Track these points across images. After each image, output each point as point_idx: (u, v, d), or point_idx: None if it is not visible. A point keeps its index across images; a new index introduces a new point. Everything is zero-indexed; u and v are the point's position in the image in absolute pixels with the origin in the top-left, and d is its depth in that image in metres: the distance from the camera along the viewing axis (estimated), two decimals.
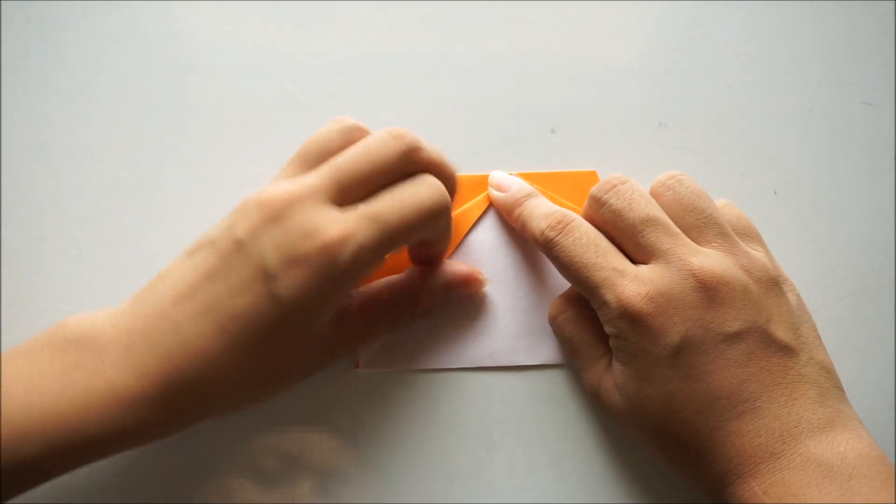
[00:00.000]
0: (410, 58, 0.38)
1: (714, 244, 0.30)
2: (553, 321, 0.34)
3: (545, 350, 0.35)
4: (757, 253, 0.31)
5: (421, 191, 0.28)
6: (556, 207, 0.32)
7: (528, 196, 0.34)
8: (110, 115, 0.37)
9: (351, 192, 0.28)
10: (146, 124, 0.37)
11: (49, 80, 0.38)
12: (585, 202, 0.32)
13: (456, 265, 0.34)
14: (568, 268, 0.30)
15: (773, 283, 0.30)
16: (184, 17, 0.38)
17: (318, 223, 0.26)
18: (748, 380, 0.27)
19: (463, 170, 0.37)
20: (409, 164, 0.29)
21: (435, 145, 0.30)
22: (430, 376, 0.35)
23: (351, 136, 0.29)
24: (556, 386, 0.35)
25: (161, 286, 0.28)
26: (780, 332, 0.28)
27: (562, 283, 0.35)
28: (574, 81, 0.37)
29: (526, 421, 0.35)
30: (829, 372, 0.29)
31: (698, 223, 0.30)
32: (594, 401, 0.32)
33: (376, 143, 0.29)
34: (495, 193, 0.35)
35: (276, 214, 0.27)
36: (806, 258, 0.36)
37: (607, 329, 0.30)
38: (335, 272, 0.26)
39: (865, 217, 0.37)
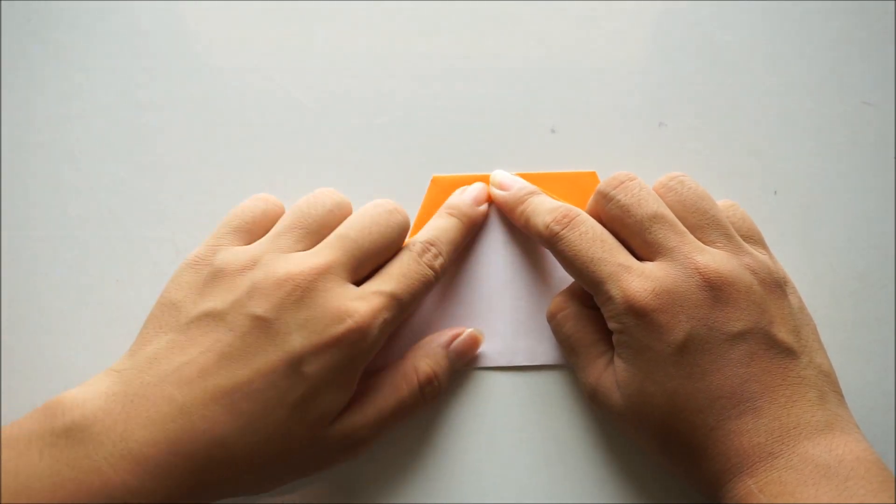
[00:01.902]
0: (410, 58, 0.38)
1: (718, 244, 0.30)
2: (552, 318, 0.33)
3: (544, 351, 0.35)
4: (761, 255, 0.31)
5: (423, 268, 0.30)
6: (561, 203, 0.32)
7: (532, 193, 0.34)
8: (110, 115, 0.37)
9: (364, 267, 0.29)
10: (146, 124, 0.37)
11: (49, 80, 0.38)
12: (591, 198, 0.32)
13: (451, 330, 0.34)
14: (573, 262, 0.30)
15: (777, 285, 0.30)
16: (184, 17, 0.38)
17: (344, 306, 0.27)
18: (749, 380, 0.27)
19: (463, 170, 0.37)
20: (404, 237, 0.31)
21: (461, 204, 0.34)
22: None
23: (343, 211, 0.31)
24: (555, 387, 0.35)
25: (160, 368, 0.26)
26: (783, 335, 0.28)
27: (561, 284, 0.35)
28: (574, 81, 0.37)
29: (525, 421, 0.35)
30: (828, 376, 0.29)
31: (702, 224, 0.31)
32: (592, 400, 0.32)
33: (383, 218, 0.30)
34: (497, 192, 0.35)
35: (298, 293, 0.27)
36: (806, 258, 0.36)
37: (611, 325, 0.30)
38: (361, 352, 0.27)
39: (865, 217, 0.37)
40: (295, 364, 0.26)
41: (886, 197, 0.37)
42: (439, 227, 0.32)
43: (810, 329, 0.30)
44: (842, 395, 0.29)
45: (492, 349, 0.35)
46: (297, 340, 0.26)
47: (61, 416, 0.24)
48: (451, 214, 0.33)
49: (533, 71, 0.37)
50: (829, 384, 0.29)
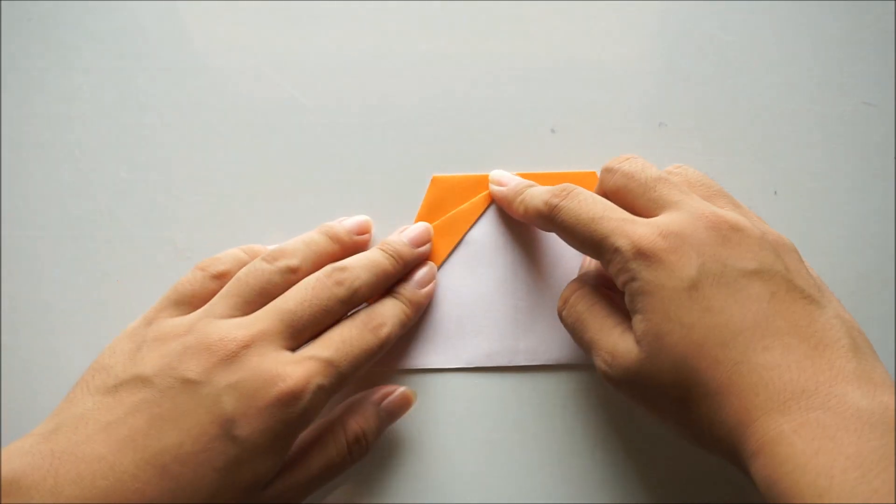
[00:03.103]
0: (410, 58, 0.38)
1: (727, 209, 0.29)
2: (564, 303, 0.32)
3: (545, 351, 0.35)
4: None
5: (366, 336, 0.30)
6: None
7: (529, 186, 0.33)
8: (110, 115, 0.37)
9: (303, 335, 0.29)
10: (146, 124, 0.37)
11: (49, 80, 0.38)
12: (599, 178, 0.32)
13: (383, 387, 0.33)
14: (574, 227, 0.29)
15: (792, 249, 0.28)
16: (184, 17, 0.38)
17: (276, 370, 0.27)
18: (774, 315, 0.25)
19: (463, 169, 0.37)
20: (349, 307, 0.31)
21: (367, 266, 0.32)
22: (429, 376, 0.35)
23: (289, 278, 0.31)
24: (555, 387, 0.35)
25: (87, 427, 0.25)
26: (802, 283, 0.26)
27: (562, 283, 0.35)
28: (574, 81, 0.37)
29: (525, 422, 0.35)
30: (860, 332, 0.26)
31: (709, 194, 0.30)
32: (609, 374, 0.28)
33: (323, 291, 0.30)
34: (496, 188, 0.35)
35: (230, 357, 0.27)
36: (806, 258, 0.36)
37: (621, 278, 0.28)
38: (294, 417, 0.27)
39: (865, 217, 0.37)
40: (226, 427, 0.25)
41: (886, 197, 0.37)
42: (368, 268, 0.32)
43: (831, 293, 0.28)
44: (876, 355, 0.26)
45: (491, 349, 0.35)
46: (227, 403, 0.26)
47: None
48: (384, 251, 0.33)
49: (533, 71, 0.37)
50: (861, 338, 0.26)
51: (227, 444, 0.25)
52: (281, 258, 0.31)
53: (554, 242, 0.35)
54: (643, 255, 0.27)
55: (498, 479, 0.34)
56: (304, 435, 0.30)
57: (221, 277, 0.31)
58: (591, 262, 0.35)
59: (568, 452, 0.34)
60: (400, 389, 0.33)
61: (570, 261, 0.35)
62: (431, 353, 0.34)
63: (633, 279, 0.27)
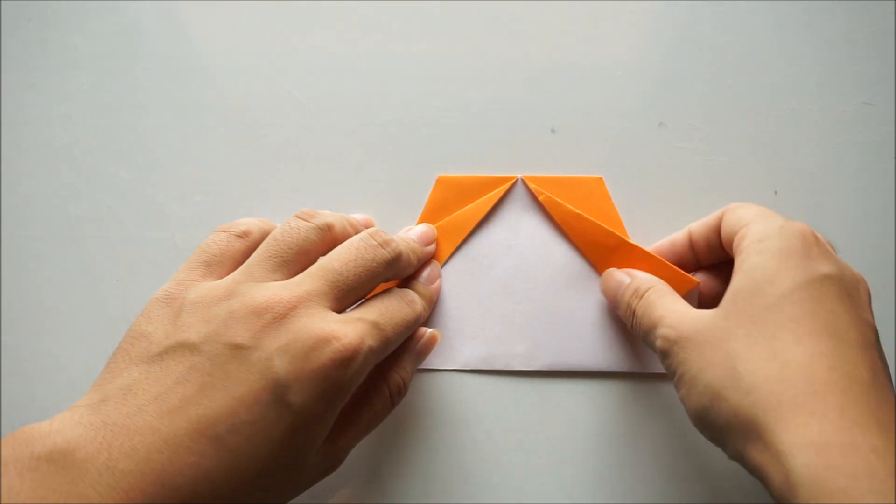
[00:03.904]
0: (410, 58, 0.38)
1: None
2: (635, 293, 0.32)
3: (541, 357, 0.34)
4: None
5: (404, 307, 0.30)
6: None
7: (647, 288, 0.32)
8: (110, 115, 0.37)
9: (347, 298, 0.28)
10: (146, 124, 0.37)
11: (49, 80, 0.38)
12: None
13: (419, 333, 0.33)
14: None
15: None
16: (184, 17, 0.38)
17: (327, 330, 0.26)
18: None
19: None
20: (392, 272, 0.31)
21: (409, 240, 0.32)
22: (426, 377, 0.35)
23: (326, 235, 0.30)
24: (554, 389, 0.35)
25: (136, 398, 0.24)
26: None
27: (563, 289, 0.35)
28: (574, 81, 0.37)
29: (525, 422, 0.35)
30: None
31: None
32: (671, 334, 0.28)
33: (368, 251, 0.29)
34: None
35: (278, 319, 0.26)
36: None
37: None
38: (346, 379, 0.26)
39: (865, 217, 0.37)
40: (279, 393, 0.25)
41: (886, 197, 0.37)
42: (401, 242, 0.32)
43: None
44: None
45: (489, 352, 0.35)
46: (279, 367, 0.25)
47: (39, 441, 0.23)
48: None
49: (533, 71, 0.37)
50: None
51: (282, 412, 0.24)
52: (316, 216, 0.30)
53: (556, 249, 0.35)
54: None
55: (497, 480, 0.34)
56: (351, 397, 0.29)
57: (245, 237, 0.30)
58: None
59: (565, 455, 0.34)
60: (429, 332, 0.33)
61: (572, 267, 0.35)
62: (432, 354, 0.34)
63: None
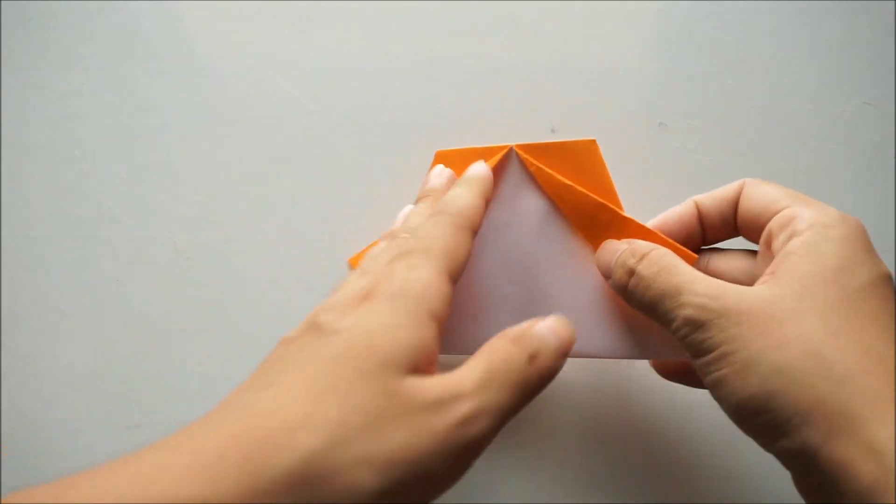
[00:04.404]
0: (410, 58, 0.38)
1: None
2: (642, 258, 0.28)
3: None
4: None
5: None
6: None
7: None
8: (110, 115, 0.37)
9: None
10: (146, 124, 0.37)
11: (49, 80, 0.38)
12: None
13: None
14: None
15: None
16: (184, 17, 0.38)
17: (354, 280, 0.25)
18: None
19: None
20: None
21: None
22: None
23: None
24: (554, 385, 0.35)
25: None
26: None
27: (565, 268, 0.33)
28: (574, 81, 0.37)
29: (526, 422, 0.35)
30: None
31: None
32: (709, 304, 0.25)
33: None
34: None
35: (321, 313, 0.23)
36: None
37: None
38: (391, 293, 0.23)
39: (865, 217, 0.36)
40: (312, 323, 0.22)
41: (886, 197, 0.37)
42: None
43: None
44: None
45: (488, 336, 0.33)
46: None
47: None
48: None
49: (533, 71, 0.37)
50: None
51: (329, 338, 0.22)
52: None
53: (553, 226, 0.33)
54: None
55: (496, 480, 0.34)
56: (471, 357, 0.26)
57: None
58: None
59: (567, 451, 0.34)
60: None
61: (568, 246, 0.34)
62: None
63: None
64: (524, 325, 0.25)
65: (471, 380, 0.22)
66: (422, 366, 0.22)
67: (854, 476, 0.21)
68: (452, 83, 0.37)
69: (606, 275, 0.30)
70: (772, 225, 0.27)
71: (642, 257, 0.27)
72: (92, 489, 0.18)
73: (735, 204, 0.29)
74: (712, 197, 0.30)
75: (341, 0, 0.38)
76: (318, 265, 0.36)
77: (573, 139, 0.34)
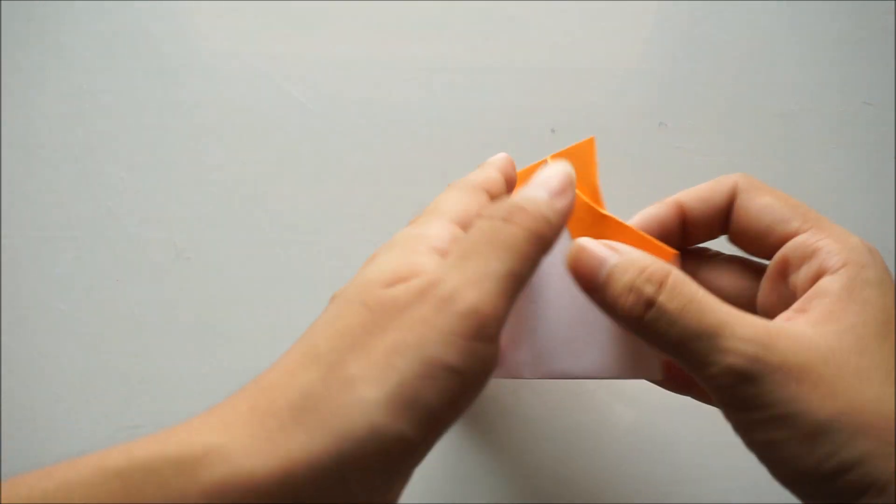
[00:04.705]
0: (410, 58, 0.38)
1: None
2: (661, 286, 0.23)
3: (545, 363, 0.33)
4: None
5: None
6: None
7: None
8: (110, 115, 0.37)
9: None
10: (146, 124, 0.37)
11: (49, 80, 0.38)
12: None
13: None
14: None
15: None
16: (184, 18, 0.38)
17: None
18: None
19: (463, 169, 0.37)
20: None
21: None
22: None
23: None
24: (554, 386, 0.35)
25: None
26: None
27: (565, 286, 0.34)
28: (574, 81, 0.37)
29: (526, 421, 0.35)
30: None
31: None
32: (763, 355, 0.21)
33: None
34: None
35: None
36: None
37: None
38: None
39: (865, 217, 0.37)
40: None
41: (887, 197, 0.37)
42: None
43: None
44: None
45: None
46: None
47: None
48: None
49: (533, 71, 0.37)
50: None
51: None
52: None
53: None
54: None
55: (496, 480, 0.34)
56: None
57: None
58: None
59: (570, 453, 0.34)
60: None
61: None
62: None
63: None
64: None
65: (434, 264, 0.21)
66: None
67: None
68: (453, 83, 0.37)
69: (588, 281, 0.24)
70: (788, 254, 0.25)
71: (661, 284, 0.22)
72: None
73: (725, 212, 0.27)
74: (699, 199, 0.27)
75: (341, 0, 0.38)
76: (318, 265, 0.36)
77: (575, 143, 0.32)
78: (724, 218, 0.27)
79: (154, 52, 0.38)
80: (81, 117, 0.37)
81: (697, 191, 0.27)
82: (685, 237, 0.28)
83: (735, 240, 0.27)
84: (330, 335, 0.20)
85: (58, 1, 0.38)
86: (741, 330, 0.21)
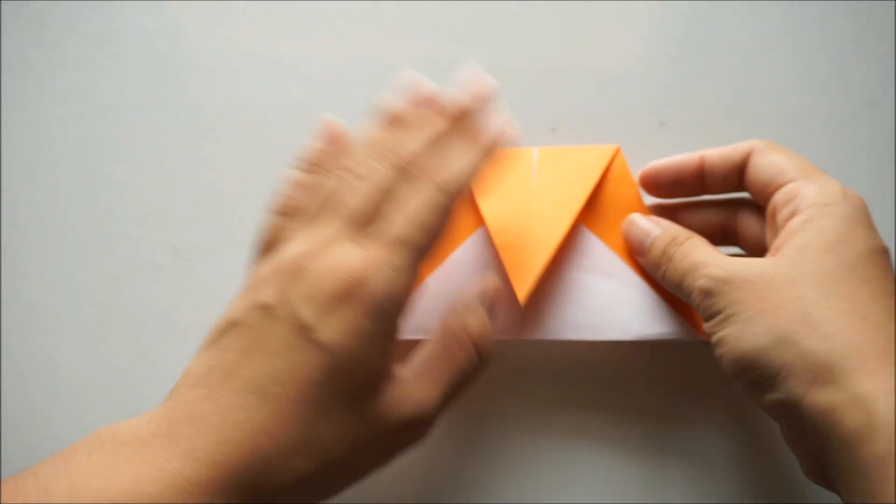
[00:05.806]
0: (411, 58, 0.38)
1: None
2: (672, 241, 0.31)
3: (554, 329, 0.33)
4: None
5: (423, 197, 0.27)
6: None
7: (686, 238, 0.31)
8: (110, 115, 0.37)
9: (365, 224, 0.27)
10: (146, 124, 0.37)
11: (49, 80, 0.38)
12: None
13: (478, 283, 0.31)
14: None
15: None
16: (183, 18, 0.38)
17: (339, 260, 0.25)
18: None
19: None
20: (405, 175, 0.28)
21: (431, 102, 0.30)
22: None
23: (333, 164, 0.29)
24: (554, 385, 0.35)
25: (192, 378, 0.25)
26: None
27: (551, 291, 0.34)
28: (574, 81, 0.37)
29: (526, 420, 0.35)
30: None
31: None
32: (721, 273, 0.28)
33: (367, 170, 0.28)
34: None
35: (298, 270, 0.25)
36: None
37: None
38: (374, 302, 0.25)
39: None
40: (307, 332, 0.24)
41: (887, 197, 0.37)
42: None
43: None
44: None
45: (517, 321, 0.33)
46: (302, 311, 0.25)
47: (104, 430, 0.25)
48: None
49: (533, 71, 0.37)
50: None
51: (317, 353, 0.24)
52: (317, 155, 0.31)
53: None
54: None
55: (496, 480, 0.34)
56: (424, 345, 0.29)
57: (332, 165, 0.30)
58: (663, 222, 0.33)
59: (571, 453, 0.34)
60: (493, 281, 0.31)
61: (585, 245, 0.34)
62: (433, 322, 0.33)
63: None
64: (473, 306, 0.30)
65: (433, 403, 0.27)
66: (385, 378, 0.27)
67: (838, 423, 0.23)
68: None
69: (636, 248, 0.33)
70: (777, 199, 0.29)
71: (681, 244, 0.30)
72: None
73: (741, 168, 0.31)
74: (720, 157, 0.32)
75: (341, 0, 0.38)
76: None
77: (594, 145, 0.34)
78: (738, 173, 0.31)
79: (154, 53, 0.38)
80: (81, 117, 0.37)
81: (721, 149, 0.32)
82: (705, 186, 0.33)
83: (753, 195, 0.31)
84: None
85: (58, 1, 0.38)
86: (714, 261, 0.28)
